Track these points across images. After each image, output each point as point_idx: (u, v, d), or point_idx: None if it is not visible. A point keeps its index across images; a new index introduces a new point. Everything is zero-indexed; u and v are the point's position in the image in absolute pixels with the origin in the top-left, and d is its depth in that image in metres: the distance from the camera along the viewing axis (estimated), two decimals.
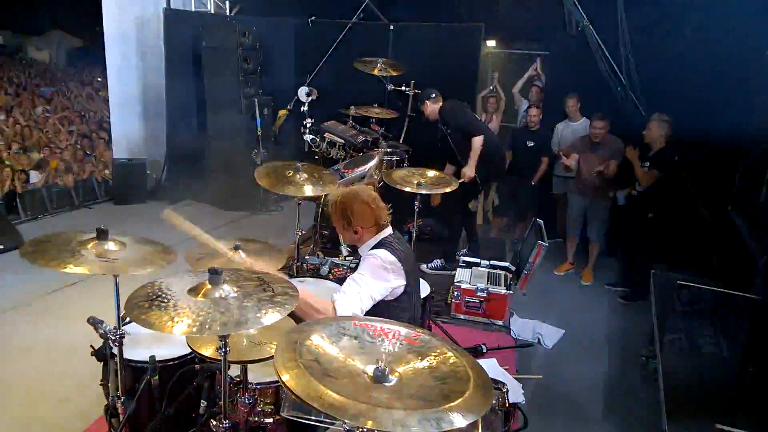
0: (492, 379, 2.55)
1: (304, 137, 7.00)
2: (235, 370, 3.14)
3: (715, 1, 7.28)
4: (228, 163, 9.89)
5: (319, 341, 2.32)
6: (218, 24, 10.32)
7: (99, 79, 19.95)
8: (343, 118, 8.05)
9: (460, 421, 1.95)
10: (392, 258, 3.51)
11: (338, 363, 2.22)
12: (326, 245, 7.09)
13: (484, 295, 5.97)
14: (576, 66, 8.57)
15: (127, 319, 3.33)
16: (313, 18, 10.35)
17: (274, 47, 10.55)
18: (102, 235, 3.20)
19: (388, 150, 7.47)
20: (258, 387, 3.26)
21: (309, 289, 3.41)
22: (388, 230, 3.70)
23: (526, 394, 4.28)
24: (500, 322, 6.01)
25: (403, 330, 2.48)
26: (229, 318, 2.51)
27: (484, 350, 5.25)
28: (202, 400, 3.27)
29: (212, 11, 11.01)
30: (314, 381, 2.02)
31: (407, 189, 5.53)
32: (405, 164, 7.40)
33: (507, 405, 3.45)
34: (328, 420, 2.85)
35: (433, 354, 2.34)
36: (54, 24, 32.49)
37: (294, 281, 3.13)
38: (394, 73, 8.32)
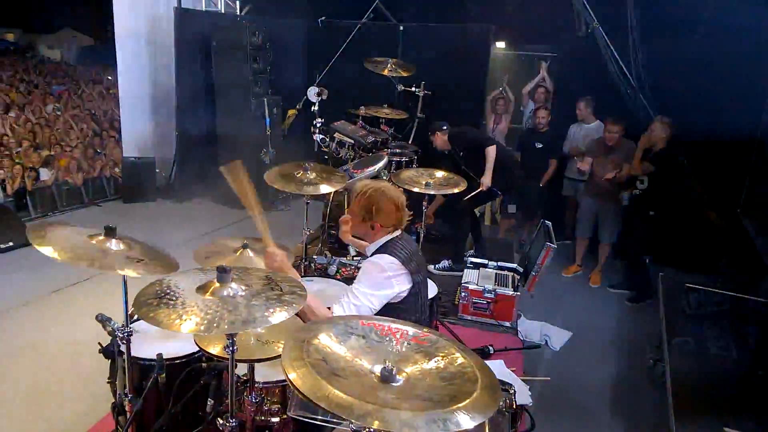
0: (500, 380, 2.54)
1: (314, 137, 7.01)
2: (242, 369, 3.14)
3: (725, 1, 7.26)
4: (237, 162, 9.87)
5: (327, 340, 2.32)
6: (229, 23, 10.35)
7: (109, 78, 20.01)
8: (352, 118, 8.06)
9: (467, 422, 1.94)
10: (396, 263, 3.45)
11: (345, 362, 2.22)
12: (334, 245, 7.09)
13: (492, 296, 5.96)
14: (585, 67, 8.56)
15: (135, 317, 3.33)
16: (323, 18, 10.37)
17: (284, 47, 10.57)
18: (110, 233, 3.20)
19: (397, 150, 7.47)
20: (265, 386, 3.26)
21: (315, 289, 3.41)
22: (398, 231, 3.68)
23: (533, 395, 4.28)
24: (507, 324, 6.00)
25: (410, 330, 2.47)
26: (237, 316, 2.51)
27: (492, 351, 5.25)
28: (209, 399, 3.28)
29: (223, 11, 11.05)
30: (321, 380, 2.02)
31: (415, 189, 5.52)
32: (414, 165, 7.40)
33: (514, 406, 3.44)
34: (334, 420, 2.85)
35: (441, 354, 2.33)
36: (65, 23, 32.66)
37: (302, 281, 3.13)
38: (404, 74, 8.33)
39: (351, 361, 2.23)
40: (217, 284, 2.69)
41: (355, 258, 6.17)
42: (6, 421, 4.71)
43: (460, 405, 2.00)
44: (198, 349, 3.22)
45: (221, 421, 3.00)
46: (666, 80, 7.81)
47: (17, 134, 11.71)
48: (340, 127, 7.32)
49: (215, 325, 2.45)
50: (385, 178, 6.54)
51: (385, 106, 8.47)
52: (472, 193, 6.66)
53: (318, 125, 6.99)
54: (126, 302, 3.17)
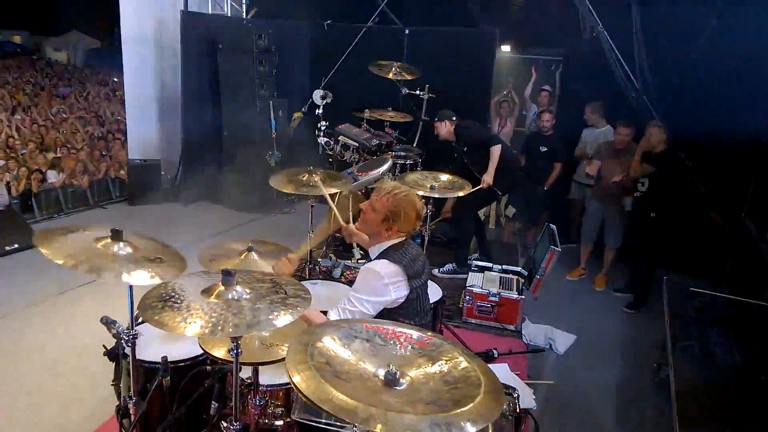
0: (503, 384, 2.54)
1: (319, 140, 7.03)
2: (246, 372, 3.15)
3: (730, 4, 7.26)
4: (242, 164, 9.92)
5: (331, 344, 2.32)
6: (235, 26, 10.36)
7: (116, 80, 20.09)
8: (357, 121, 8.06)
9: (470, 426, 1.95)
10: (394, 269, 3.43)
11: (349, 366, 2.22)
12: (339, 248, 7.10)
13: (496, 299, 5.97)
14: (590, 71, 8.55)
15: (139, 319, 3.34)
16: (329, 22, 10.39)
17: (290, 50, 10.59)
18: (116, 235, 3.21)
19: (402, 153, 7.48)
20: (269, 389, 3.27)
21: (319, 292, 3.42)
22: (402, 237, 3.67)
23: (537, 399, 4.27)
24: (512, 327, 6.01)
25: (414, 333, 2.48)
26: (242, 320, 2.52)
27: (496, 355, 5.26)
28: (213, 402, 3.29)
29: (229, 14, 11.06)
30: (325, 383, 2.03)
31: (420, 192, 5.53)
32: (418, 168, 7.41)
33: (518, 411, 3.44)
34: (338, 423, 2.85)
35: (445, 358, 2.33)
36: (72, 25, 32.77)
37: (306, 284, 3.14)
38: (409, 77, 8.34)
39: (355, 364, 2.24)
40: (222, 287, 2.70)
41: (359, 261, 6.18)
42: (10, 422, 4.71)
43: (463, 409, 2.01)
44: (202, 352, 3.23)
45: (225, 424, 3.00)
46: (671, 84, 7.81)
47: (23, 136, 11.76)
48: (344, 129, 7.33)
49: (220, 328, 2.46)
50: (390, 180, 6.54)
51: (390, 109, 8.48)
52: (473, 189, 6.64)
53: (323, 128, 7.00)
54: (131, 305, 3.17)
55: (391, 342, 2.41)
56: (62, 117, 14.19)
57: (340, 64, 10.22)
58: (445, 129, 7.21)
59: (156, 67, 10.77)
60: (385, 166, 6.31)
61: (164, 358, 3.34)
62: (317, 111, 7.22)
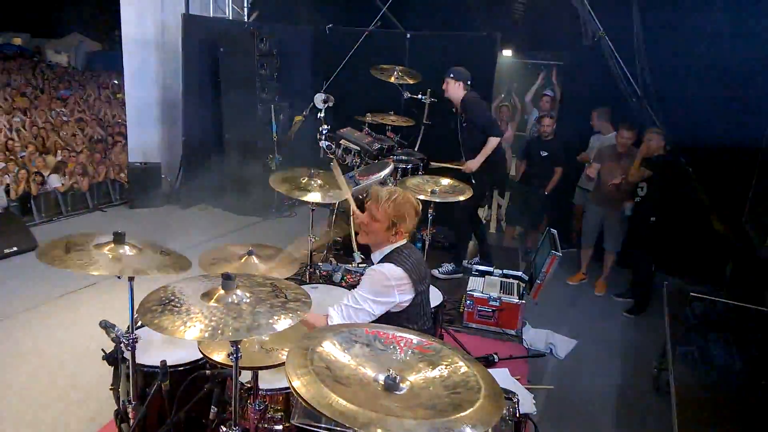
0: (503, 389, 2.54)
1: (320, 143, 7.01)
2: (246, 376, 3.14)
3: (730, 9, 7.27)
4: (243, 168, 9.93)
5: (331, 348, 2.32)
6: (236, 30, 10.38)
7: (116, 83, 20.10)
8: (358, 125, 8.06)
9: (470, 431, 1.94)
10: (400, 273, 3.44)
11: (349, 370, 2.22)
12: (339, 252, 7.10)
13: (497, 304, 5.96)
14: (591, 76, 8.55)
15: (138, 323, 3.33)
16: (330, 26, 10.40)
17: (292, 54, 10.59)
18: (119, 238, 3.21)
19: (403, 157, 7.47)
20: (269, 393, 3.26)
21: (319, 296, 3.41)
22: (405, 240, 3.67)
23: (537, 404, 4.27)
24: (512, 332, 6.00)
25: (414, 338, 2.48)
26: (242, 323, 2.51)
27: (496, 360, 5.25)
28: (212, 406, 3.28)
29: (230, 17, 11.06)
30: (325, 388, 2.02)
31: (421, 197, 5.51)
32: (420, 172, 7.40)
33: (518, 415, 3.43)
34: (338, 428, 2.85)
35: (445, 363, 2.33)
36: (73, 27, 32.78)
37: (306, 288, 3.14)
38: (411, 81, 8.33)
39: (355, 369, 2.24)
40: (222, 291, 2.70)
41: (360, 265, 6.17)
42: (9, 426, 4.71)
43: (463, 414, 2.01)
44: (202, 356, 3.22)
45: (224, 429, 3.00)
46: (671, 89, 7.80)
47: (23, 138, 11.75)
48: (346, 133, 7.32)
49: (220, 332, 2.46)
50: (391, 184, 6.54)
51: (392, 113, 8.47)
52: (451, 165, 6.74)
53: (324, 132, 6.99)
54: (132, 308, 3.17)
55: (391, 347, 2.41)
56: (62, 119, 14.18)
57: (342, 67, 10.22)
58: (453, 90, 7.09)
59: (157, 70, 10.76)
60: (387, 170, 6.30)
61: (163, 362, 3.34)
62: (319, 115, 7.21)
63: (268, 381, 3.28)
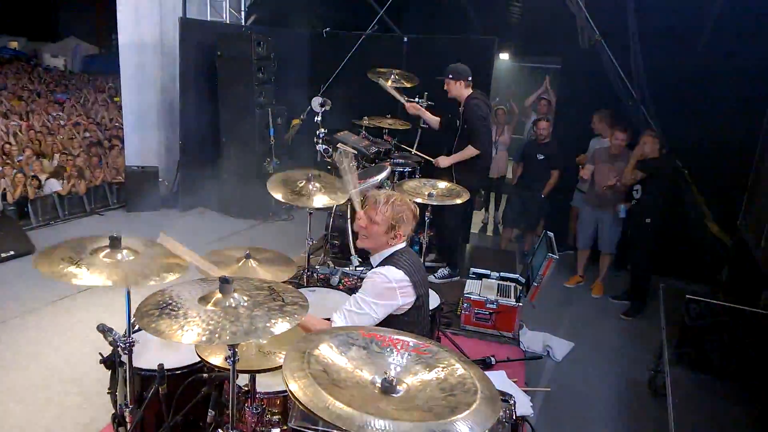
0: (500, 391, 2.54)
1: (317, 147, 7.02)
2: (243, 380, 3.15)
3: (727, 13, 7.29)
4: (240, 171, 9.94)
5: (328, 351, 2.32)
6: (233, 34, 10.37)
7: (113, 86, 20.08)
8: (355, 128, 8.07)
9: None
10: (401, 275, 3.45)
11: (346, 373, 2.22)
12: (337, 255, 7.10)
13: (494, 306, 5.96)
14: (588, 80, 8.57)
15: (136, 327, 3.34)
16: (328, 29, 10.41)
17: (289, 57, 10.60)
18: (115, 242, 3.21)
19: (400, 161, 7.48)
20: (266, 396, 3.27)
21: (316, 300, 3.41)
22: (404, 243, 3.69)
23: (534, 406, 4.28)
24: (509, 334, 6.00)
25: (411, 341, 2.48)
26: (239, 327, 2.52)
27: (493, 362, 5.26)
28: (209, 410, 3.28)
29: (228, 21, 11.06)
30: (322, 391, 2.03)
31: (418, 200, 5.52)
32: (417, 175, 7.41)
33: (515, 417, 3.44)
34: (335, 431, 2.85)
35: (441, 365, 2.34)
36: (70, 31, 32.73)
37: (303, 291, 3.14)
38: (408, 85, 8.34)
39: (352, 371, 2.24)
40: (219, 295, 2.70)
41: (357, 268, 6.17)
42: (6, 431, 4.71)
43: (459, 416, 2.01)
44: (199, 359, 3.22)
45: None
46: (667, 91, 7.82)
47: (20, 142, 11.74)
48: (343, 137, 7.33)
49: (217, 335, 2.46)
50: (387, 188, 6.54)
51: (389, 116, 8.48)
52: (423, 155, 7.15)
53: (321, 135, 6.99)
54: (129, 312, 3.17)
55: (388, 349, 2.41)
56: (59, 123, 14.16)
57: (339, 71, 10.24)
58: (456, 90, 7.04)
59: (154, 74, 10.74)
60: (384, 174, 6.31)
61: (161, 365, 3.33)
62: (316, 118, 7.21)
63: (265, 384, 3.28)
